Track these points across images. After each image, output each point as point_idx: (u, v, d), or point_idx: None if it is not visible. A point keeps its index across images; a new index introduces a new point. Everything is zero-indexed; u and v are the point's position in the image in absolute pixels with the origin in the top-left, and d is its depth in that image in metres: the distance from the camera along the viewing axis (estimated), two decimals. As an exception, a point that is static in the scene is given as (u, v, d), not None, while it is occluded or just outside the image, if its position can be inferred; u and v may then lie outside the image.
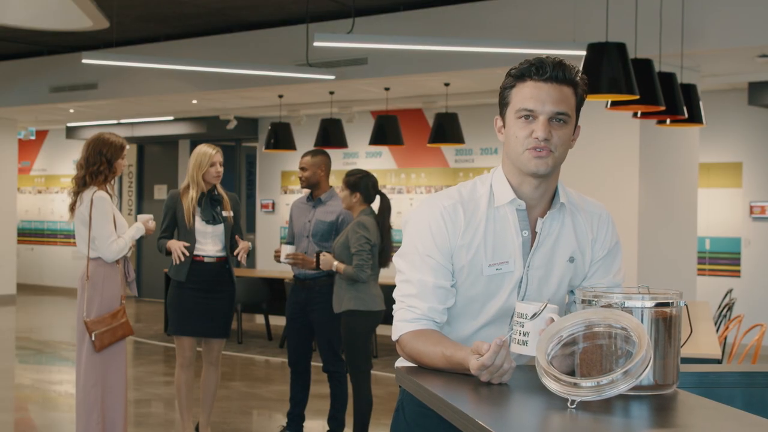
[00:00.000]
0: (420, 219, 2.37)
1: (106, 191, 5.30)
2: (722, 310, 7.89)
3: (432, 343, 2.26)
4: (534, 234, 2.35)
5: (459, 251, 2.32)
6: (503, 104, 2.34)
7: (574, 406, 1.79)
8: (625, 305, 1.93)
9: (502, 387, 2.03)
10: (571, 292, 2.44)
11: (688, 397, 1.94)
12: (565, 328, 1.92)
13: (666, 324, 1.95)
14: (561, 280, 2.38)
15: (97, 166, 5.26)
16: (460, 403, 1.84)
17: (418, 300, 2.33)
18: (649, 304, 1.95)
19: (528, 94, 2.26)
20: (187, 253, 5.64)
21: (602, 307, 1.94)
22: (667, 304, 1.96)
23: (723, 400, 2.05)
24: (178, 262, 5.64)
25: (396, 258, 2.41)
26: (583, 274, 2.42)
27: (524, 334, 2.06)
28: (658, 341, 1.93)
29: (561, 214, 2.38)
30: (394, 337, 2.38)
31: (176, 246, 5.63)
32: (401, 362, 2.42)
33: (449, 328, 2.40)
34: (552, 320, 2.03)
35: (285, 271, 10.55)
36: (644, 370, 1.79)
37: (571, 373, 1.94)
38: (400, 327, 2.36)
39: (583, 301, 1.99)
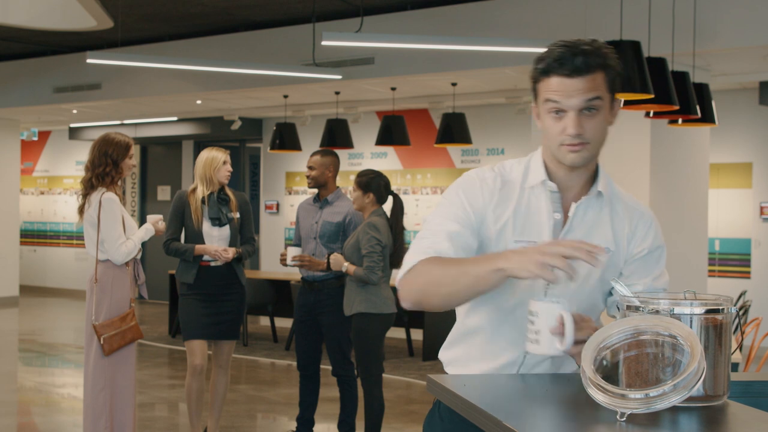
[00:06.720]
0: (455, 184, 2.34)
1: (115, 192, 5.20)
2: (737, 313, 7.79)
3: (448, 263, 2.15)
4: (566, 218, 2.28)
5: (488, 222, 2.27)
6: (534, 94, 2.28)
7: (624, 418, 1.69)
8: (674, 312, 1.83)
9: (544, 396, 1.93)
10: (609, 293, 2.34)
11: (740, 408, 1.84)
12: (611, 335, 1.82)
13: (716, 331, 1.85)
14: (590, 270, 2.25)
15: (103, 167, 5.14)
16: (501, 413, 1.74)
17: (428, 240, 2.24)
18: (699, 310, 1.84)
19: (554, 88, 2.19)
20: (229, 256, 5.60)
21: (649, 313, 1.84)
22: (717, 311, 1.86)
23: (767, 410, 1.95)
24: (221, 257, 5.60)
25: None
26: (615, 269, 2.31)
27: (536, 333, 2.02)
28: (708, 350, 1.83)
29: (599, 203, 2.31)
30: (398, 282, 2.25)
31: (213, 249, 5.59)
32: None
33: (476, 315, 2.31)
34: (562, 318, 1.98)
35: (290, 273, 10.45)
36: (697, 382, 1.69)
37: (608, 378, 1.84)
38: (405, 264, 2.23)
39: (629, 308, 1.89)
